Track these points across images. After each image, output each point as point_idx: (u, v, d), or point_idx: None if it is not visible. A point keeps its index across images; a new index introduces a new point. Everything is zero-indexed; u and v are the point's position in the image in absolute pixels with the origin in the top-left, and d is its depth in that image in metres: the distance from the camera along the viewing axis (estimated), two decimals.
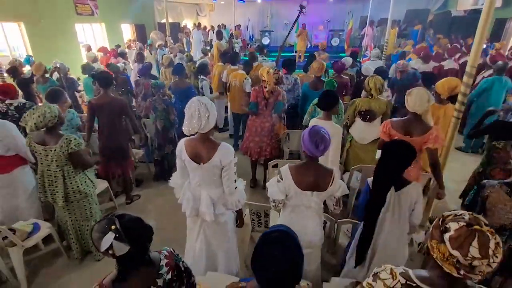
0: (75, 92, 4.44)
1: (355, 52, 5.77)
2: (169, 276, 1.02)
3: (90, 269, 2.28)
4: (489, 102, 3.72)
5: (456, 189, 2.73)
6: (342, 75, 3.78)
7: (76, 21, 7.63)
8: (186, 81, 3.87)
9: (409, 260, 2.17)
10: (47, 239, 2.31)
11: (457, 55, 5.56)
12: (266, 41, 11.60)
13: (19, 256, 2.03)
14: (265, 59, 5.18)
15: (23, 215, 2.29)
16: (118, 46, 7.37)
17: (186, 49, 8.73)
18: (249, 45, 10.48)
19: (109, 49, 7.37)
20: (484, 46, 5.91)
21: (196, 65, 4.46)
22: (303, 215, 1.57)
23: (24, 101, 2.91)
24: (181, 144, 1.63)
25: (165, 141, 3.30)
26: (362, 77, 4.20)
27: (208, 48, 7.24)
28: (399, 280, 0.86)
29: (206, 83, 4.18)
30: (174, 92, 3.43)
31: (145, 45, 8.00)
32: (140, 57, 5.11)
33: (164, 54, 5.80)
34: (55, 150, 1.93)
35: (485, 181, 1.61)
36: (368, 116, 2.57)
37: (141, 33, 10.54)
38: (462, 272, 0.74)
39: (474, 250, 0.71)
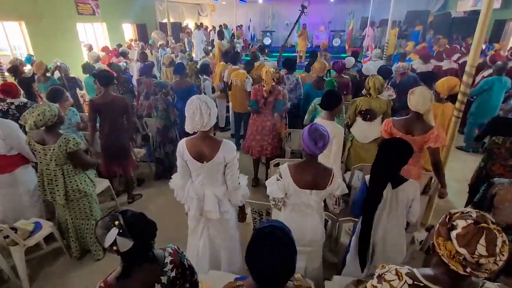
0: (77, 91, 4.44)
1: (356, 52, 5.79)
2: (173, 274, 1.02)
3: (92, 268, 2.28)
4: (489, 102, 3.76)
5: (457, 188, 2.75)
6: (343, 75, 3.79)
7: (77, 21, 7.62)
8: (187, 80, 3.88)
9: (411, 259, 2.16)
10: (49, 238, 2.31)
11: (456, 56, 5.59)
12: (267, 41, 11.61)
13: (20, 255, 2.03)
14: (266, 59, 5.19)
15: (25, 214, 2.29)
16: (120, 45, 7.38)
17: (187, 49, 8.76)
18: (251, 45, 10.51)
19: (110, 49, 7.39)
20: (483, 46, 5.94)
21: (198, 65, 4.47)
22: (303, 214, 1.58)
23: (25, 100, 2.91)
24: (182, 144, 1.62)
25: (165, 140, 3.31)
26: (362, 77, 4.22)
27: (210, 48, 7.27)
28: (405, 281, 0.84)
29: (208, 83, 4.18)
30: (175, 92, 3.45)
31: (147, 45, 8.01)
32: (143, 57, 5.12)
33: (166, 54, 5.83)
34: (53, 149, 1.92)
35: (495, 178, 1.60)
36: (368, 116, 2.59)
37: (143, 33, 10.54)
38: (468, 269, 0.73)
39: (481, 248, 0.71)
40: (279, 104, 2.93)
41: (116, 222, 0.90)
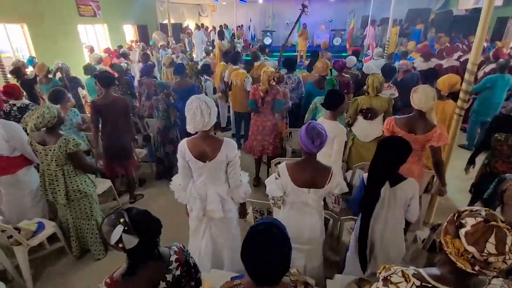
0: (79, 92, 4.46)
1: (357, 51, 5.78)
2: (178, 272, 1.03)
3: (94, 268, 2.29)
4: (491, 100, 3.74)
5: (460, 187, 2.74)
6: (343, 74, 3.78)
7: (79, 22, 7.66)
8: (188, 80, 3.88)
9: (414, 257, 2.16)
10: (52, 238, 2.33)
11: (457, 55, 5.56)
12: (268, 41, 11.60)
13: (24, 255, 2.04)
14: (267, 59, 5.19)
15: (28, 214, 2.31)
16: (120, 46, 7.41)
17: (188, 50, 8.77)
18: (251, 45, 10.51)
19: (111, 50, 7.43)
20: (485, 45, 5.90)
21: (199, 66, 4.48)
22: (301, 212, 1.58)
23: (27, 102, 2.93)
24: (183, 145, 1.61)
25: (165, 141, 3.32)
26: (364, 76, 4.21)
27: (211, 48, 7.28)
28: (413, 283, 0.83)
29: (210, 83, 4.19)
30: (176, 92, 3.47)
31: (147, 46, 8.03)
32: (144, 57, 5.13)
33: (166, 54, 5.83)
34: (54, 150, 1.94)
35: (506, 174, 1.57)
36: (369, 114, 2.58)
37: (143, 34, 10.58)
38: (477, 268, 0.72)
39: (490, 246, 0.70)
40: (277, 103, 2.92)
41: (122, 220, 0.91)
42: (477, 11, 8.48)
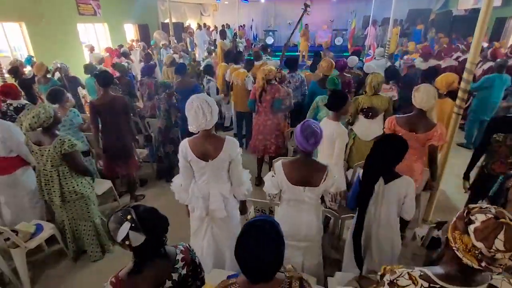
0: (79, 92, 4.42)
1: (358, 51, 5.82)
2: (184, 271, 1.02)
3: (93, 270, 2.24)
4: (489, 99, 3.79)
5: (458, 184, 2.76)
6: (345, 73, 3.81)
7: (78, 21, 7.58)
8: (191, 80, 3.86)
9: (412, 254, 2.24)
10: (51, 240, 2.28)
11: (455, 55, 5.61)
12: (270, 40, 11.68)
13: (22, 257, 1.99)
14: (269, 58, 5.23)
15: (25, 216, 2.26)
16: (121, 46, 7.35)
17: (190, 49, 8.80)
18: (253, 45, 10.52)
19: (112, 49, 7.42)
20: (486, 45, 5.94)
21: (201, 67, 4.48)
22: (298, 209, 1.59)
23: (24, 102, 2.88)
24: (185, 144, 1.60)
25: (166, 140, 3.29)
26: (364, 75, 4.25)
27: (213, 48, 7.31)
28: (421, 285, 0.82)
29: (213, 84, 4.18)
30: (179, 92, 3.41)
31: (148, 45, 7.98)
32: (147, 57, 5.11)
33: (168, 54, 5.80)
34: (49, 150, 1.91)
35: None
36: (370, 113, 2.61)
37: (145, 33, 10.53)
38: (483, 264, 0.73)
39: (499, 243, 0.71)
40: (276, 102, 2.89)
41: (129, 217, 0.91)
42: (476, 12, 8.51)
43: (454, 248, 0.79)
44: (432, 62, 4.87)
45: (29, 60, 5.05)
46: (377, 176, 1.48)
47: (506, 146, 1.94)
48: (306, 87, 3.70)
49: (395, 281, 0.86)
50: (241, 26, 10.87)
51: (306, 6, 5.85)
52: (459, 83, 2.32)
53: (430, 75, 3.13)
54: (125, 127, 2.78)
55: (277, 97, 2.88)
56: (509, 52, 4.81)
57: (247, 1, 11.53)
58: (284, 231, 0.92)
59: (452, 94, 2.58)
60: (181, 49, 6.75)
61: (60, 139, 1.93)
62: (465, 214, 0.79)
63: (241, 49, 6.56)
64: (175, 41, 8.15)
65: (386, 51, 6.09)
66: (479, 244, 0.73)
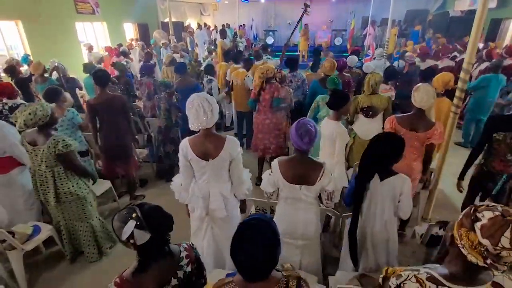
0: (77, 92, 4.36)
1: (357, 51, 5.90)
2: (189, 269, 1.02)
3: (93, 272, 2.20)
4: (485, 98, 3.88)
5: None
6: (344, 73, 3.83)
7: (77, 20, 7.52)
8: (191, 79, 3.83)
9: (412, 252, 2.28)
10: (48, 241, 2.23)
11: (451, 55, 5.71)
12: (270, 40, 11.72)
13: (18, 259, 1.95)
14: (269, 58, 5.27)
15: (20, 218, 2.22)
16: (120, 45, 7.30)
17: (190, 48, 8.81)
18: (254, 45, 10.55)
19: (112, 48, 7.39)
20: (481, 45, 6.06)
21: (202, 67, 4.47)
22: (295, 207, 1.59)
23: (20, 101, 2.83)
24: (185, 144, 1.60)
25: (166, 140, 3.26)
26: (364, 75, 4.33)
27: (213, 47, 7.35)
28: (429, 287, 0.82)
29: (216, 84, 4.17)
30: (180, 91, 3.37)
31: (147, 45, 7.98)
32: (147, 56, 5.09)
33: (167, 53, 5.76)
34: (43, 150, 1.87)
35: None
36: (370, 112, 2.64)
37: (144, 32, 10.49)
38: (489, 261, 0.74)
39: (505, 240, 0.71)
40: (275, 101, 2.88)
41: (134, 215, 0.89)
42: (472, 13, 8.68)
43: (459, 245, 0.79)
44: (430, 62, 4.98)
45: (25, 59, 4.95)
46: (372, 173, 1.48)
47: (506, 144, 1.95)
48: (307, 87, 3.73)
49: (402, 285, 0.85)
50: (241, 25, 10.91)
51: (306, 6, 5.92)
52: (455, 82, 2.37)
53: (428, 75, 3.20)
54: (124, 126, 2.73)
55: (276, 96, 2.87)
56: (504, 53, 4.91)
57: (247, 1, 11.56)
58: (281, 229, 0.92)
59: (448, 93, 2.64)
60: (181, 48, 6.75)
61: (54, 139, 1.87)
62: (472, 211, 0.80)
63: (241, 49, 6.60)
64: (175, 40, 8.16)
65: (385, 52, 6.19)
66: (485, 241, 0.73)
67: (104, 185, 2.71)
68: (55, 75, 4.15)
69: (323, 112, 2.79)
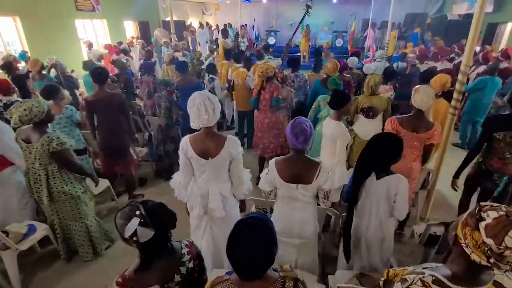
0: (75, 90, 4.30)
1: (357, 52, 5.97)
2: (191, 265, 1.02)
3: (89, 272, 2.16)
4: (482, 100, 3.95)
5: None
6: (345, 74, 3.86)
7: (76, 17, 7.46)
8: (193, 78, 3.83)
9: (410, 252, 2.31)
10: (43, 241, 2.18)
11: (449, 56, 5.78)
12: (272, 40, 11.76)
13: (12, 259, 1.90)
14: (271, 58, 5.30)
15: (15, 216, 2.18)
16: (120, 43, 7.26)
17: (191, 47, 8.83)
18: (255, 45, 10.59)
19: (112, 46, 7.32)
20: (478, 49, 6.16)
21: (204, 66, 4.47)
22: (292, 206, 1.59)
23: (15, 99, 2.77)
24: (186, 141, 1.59)
25: (166, 139, 3.23)
26: (364, 76, 4.39)
27: (215, 46, 7.38)
28: None
29: (218, 83, 4.16)
30: (181, 90, 3.33)
31: (148, 43, 7.90)
32: (147, 55, 5.07)
33: (168, 52, 5.74)
34: (36, 148, 1.83)
35: None
36: (370, 113, 2.66)
37: (145, 31, 10.45)
38: (492, 260, 0.74)
39: (509, 240, 0.72)
40: (274, 100, 2.88)
41: (137, 212, 0.89)
42: (469, 17, 8.83)
43: (463, 244, 0.79)
44: (429, 64, 5.06)
45: (23, 56, 4.86)
46: (369, 171, 1.49)
47: (505, 143, 1.97)
48: (309, 87, 3.74)
49: None
50: (243, 25, 10.94)
51: (308, 7, 5.98)
52: (453, 84, 2.42)
53: (426, 77, 3.28)
54: (121, 125, 2.68)
55: (275, 95, 2.87)
56: (500, 56, 5.00)
57: (249, 1, 11.62)
58: (278, 228, 0.92)
59: (446, 94, 2.70)
60: (182, 47, 6.75)
61: (48, 137, 1.83)
62: (476, 211, 0.80)
63: (243, 49, 6.63)
64: (176, 39, 8.16)
65: (385, 53, 6.27)
66: (489, 241, 0.74)
67: (102, 184, 2.65)
68: (53, 72, 4.09)
69: (324, 112, 2.82)
